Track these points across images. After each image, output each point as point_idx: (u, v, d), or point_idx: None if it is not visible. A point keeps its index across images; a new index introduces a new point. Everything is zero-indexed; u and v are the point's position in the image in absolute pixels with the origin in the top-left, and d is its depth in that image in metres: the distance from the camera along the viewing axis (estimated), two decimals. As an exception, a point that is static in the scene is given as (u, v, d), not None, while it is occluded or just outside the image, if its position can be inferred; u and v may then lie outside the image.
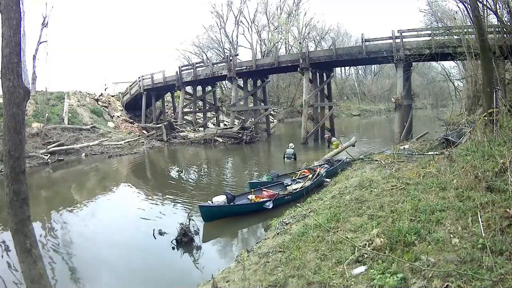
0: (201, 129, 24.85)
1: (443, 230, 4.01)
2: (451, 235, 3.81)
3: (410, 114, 17.28)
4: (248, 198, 8.35)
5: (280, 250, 4.84)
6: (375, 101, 53.12)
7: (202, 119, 27.98)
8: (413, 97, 19.47)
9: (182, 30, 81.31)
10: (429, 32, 15.37)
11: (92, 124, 22.79)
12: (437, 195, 5.18)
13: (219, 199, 7.95)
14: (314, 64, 19.00)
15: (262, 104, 25.57)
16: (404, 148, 12.11)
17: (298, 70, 19.65)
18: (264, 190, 8.63)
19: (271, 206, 7.75)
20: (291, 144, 14.49)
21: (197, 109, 28.46)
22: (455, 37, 13.82)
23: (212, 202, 7.89)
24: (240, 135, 20.49)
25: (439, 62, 18.41)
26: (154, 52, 79.34)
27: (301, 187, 8.79)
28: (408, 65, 16.18)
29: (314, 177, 9.43)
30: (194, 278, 5.00)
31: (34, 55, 24.41)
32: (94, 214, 9.23)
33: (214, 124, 28.38)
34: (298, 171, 10.51)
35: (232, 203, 7.96)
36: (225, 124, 26.77)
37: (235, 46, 45.35)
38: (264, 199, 8.07)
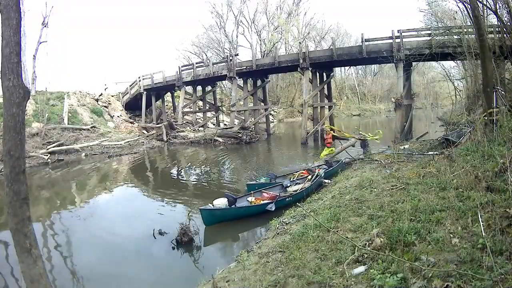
0: (201, 129, 24.83)
1: (443, 230, 4.01)
2: (451, 235, 3.81)
3: (410, 114, 17.27)
4: (248, 200, 8.13)
5: (280, 250, 4.84)
6: (375, 101, 53.03)
7: (202, 119, 27.95)
8: (413, 97, 19.43)
9: (182, 30, 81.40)
10: (429, 32, 15.33)
11: (92, 124, 22.79)
12: (437, 195, 5.18)
13: (220, 202, 7.63)
14: (314, 64, 18.97)
15: (262, 104, 25.57)
16: (404, 148, 12.10)
17: (298, 70, 19.65)
18: (264, 192, 8.47)
19: (273, 208, 7.51)
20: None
21: (197, 109, 28.45)
22: (455, 37, 13.81)
23: (213, 205, 7.58)
24: (240, 135, 20.48)
25: (439, 62, 18.39)
26: (154, 52, 79.45)
27: (301, 189, 8.66)
28: (408, 65, 16.17)
29: (313, 178, 9.36)
30: (194, 278, 4.99)
31: (34, 55, 24.41)
32: (93, 214, 9.23)
33: (214, 124, 28.36)
34: (296, 172, 10.48)
35: (234, 206, 7.69)
36: (225, 124, 26.76)
37: (235, 46, 45.26)
38: (266, 201, 7.85)
